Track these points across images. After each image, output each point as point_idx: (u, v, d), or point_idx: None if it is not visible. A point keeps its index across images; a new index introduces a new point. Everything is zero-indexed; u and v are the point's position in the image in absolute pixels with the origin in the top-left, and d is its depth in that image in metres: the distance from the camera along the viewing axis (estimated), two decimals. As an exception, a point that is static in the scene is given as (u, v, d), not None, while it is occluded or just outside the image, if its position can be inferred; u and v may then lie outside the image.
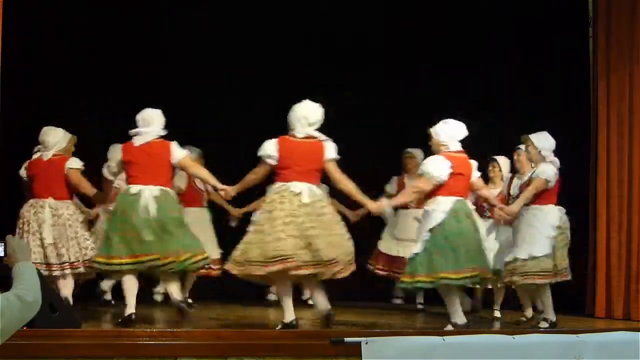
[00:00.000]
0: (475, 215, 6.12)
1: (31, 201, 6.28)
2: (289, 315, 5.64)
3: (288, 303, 5.69)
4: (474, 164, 6.14)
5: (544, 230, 6.30)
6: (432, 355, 4.91)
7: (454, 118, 6.18)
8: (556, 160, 6.49)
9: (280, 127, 5.84)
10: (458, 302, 5.98)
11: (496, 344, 5.11)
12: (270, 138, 5.81)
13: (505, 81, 8.83)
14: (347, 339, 4.92)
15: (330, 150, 5.77)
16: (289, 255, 5.46)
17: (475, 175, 6.15)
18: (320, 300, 5.75)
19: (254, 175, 5.85)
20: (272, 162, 5.72)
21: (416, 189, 6.14)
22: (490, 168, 7.41)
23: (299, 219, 5.53)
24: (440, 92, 8.74)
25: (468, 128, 6.26)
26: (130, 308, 5.73)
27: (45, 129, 6.32)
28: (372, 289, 8.40)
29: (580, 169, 7.80)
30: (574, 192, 7.72)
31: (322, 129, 5.82)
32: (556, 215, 6.39)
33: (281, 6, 8.64)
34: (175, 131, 6.03)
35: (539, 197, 6.36)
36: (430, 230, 5.86)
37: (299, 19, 8.75)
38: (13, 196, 6.81)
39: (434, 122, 6.11)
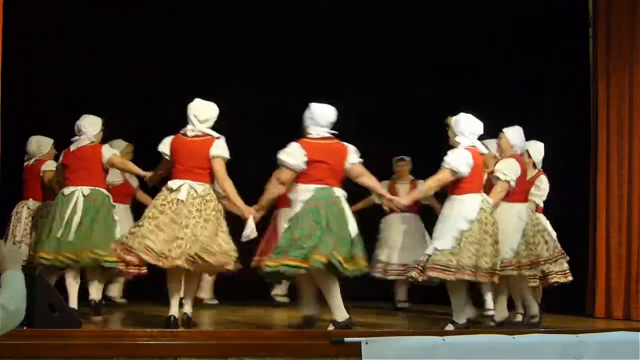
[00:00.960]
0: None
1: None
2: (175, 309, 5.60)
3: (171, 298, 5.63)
4: (350, 148, 5.79)
5: (456, 223, 5.85)
6: (432, 355, 4.92)
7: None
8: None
9: (281, 126, 5.83)
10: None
11: (496, 344, 5.11)
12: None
13: (505, 81, 8.82)
14: (347, 339, 4.93)
15: (217, 147, 5.69)
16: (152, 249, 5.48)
17: (353, 160, 5.78)
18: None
19: (159, 171, 5.95)
20: (167, 158, 5.73)
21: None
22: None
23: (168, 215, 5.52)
24: (440, 92, 8.74)
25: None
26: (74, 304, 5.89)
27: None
28: (372, 289, 8.40)
29: (580, 169, 7.81)
30: (573, 192, 7.73)
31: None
32: (474, 207, 5.88)
33: (281, 6, 8.64)
34: (176, 130, 6.01)
35: (457, 187, 5.92)
36: None
37: (299, 19, 8.76)
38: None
39: (433, 123, 6.11)
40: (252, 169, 6.77)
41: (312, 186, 5.56)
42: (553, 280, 6.63)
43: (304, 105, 5.88)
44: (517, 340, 5.17)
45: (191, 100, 5.82)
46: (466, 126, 6.02)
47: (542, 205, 6.82)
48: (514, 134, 6.41)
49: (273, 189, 5.85)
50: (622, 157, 7.45)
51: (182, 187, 5.55)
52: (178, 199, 5.51)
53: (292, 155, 5.60)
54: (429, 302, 8.23)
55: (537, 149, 6.86)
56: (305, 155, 5.57)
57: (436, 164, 6.01)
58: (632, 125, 7.43)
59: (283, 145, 5.71)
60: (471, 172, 5.89)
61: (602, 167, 7.58)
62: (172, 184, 5.60)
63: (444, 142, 6.15)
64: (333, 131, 5.75)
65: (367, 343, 4.86)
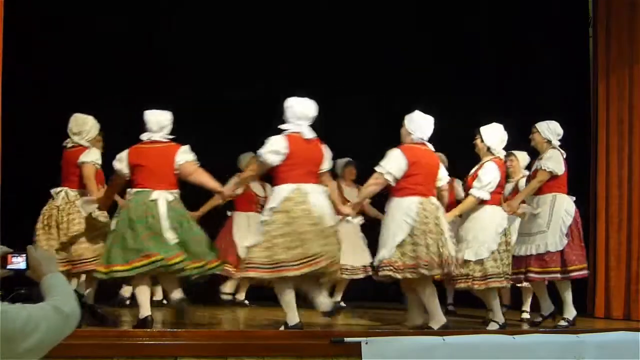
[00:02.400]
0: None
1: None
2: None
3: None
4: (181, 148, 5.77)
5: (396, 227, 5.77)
6: (432, 355, 4.92)
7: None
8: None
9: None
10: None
11: (496, 344, 5.12)
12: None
13: (505, 81, 8.83)
14: (347, 339, 4.93)
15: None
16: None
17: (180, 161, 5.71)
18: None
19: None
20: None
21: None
22: (508, 163, 7.17)
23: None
24: (440, 92, 8.74)
25: (468, 128, 6.27)
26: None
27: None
28: (372, 289, 8.39)
29: (579, 169, 7.81)
30: (573, 192, 7.72)
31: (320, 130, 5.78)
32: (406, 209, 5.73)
33: (283, 6, 8.64)
34: (178, 130, 6.02)
35: (396, 189, 5.78)
36: None
37: (299, 19, 8.76)
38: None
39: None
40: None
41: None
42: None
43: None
44: (517, 340, 5.17)
45: (192, 98, 5.82)
46: (411, 124, 5.90)
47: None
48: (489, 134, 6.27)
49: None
50: (622, 157, 7.45)
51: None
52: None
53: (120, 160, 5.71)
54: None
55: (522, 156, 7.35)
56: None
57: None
58: (632, 125, 7.44)
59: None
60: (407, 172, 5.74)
61: (602, 167, 7.58)
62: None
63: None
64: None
65: (367, 343, 4.86)
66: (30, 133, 7.56)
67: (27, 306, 2.15)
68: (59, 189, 6.29)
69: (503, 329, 5.83)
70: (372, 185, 5.82)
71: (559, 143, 6.49)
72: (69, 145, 6.30)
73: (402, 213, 5.65)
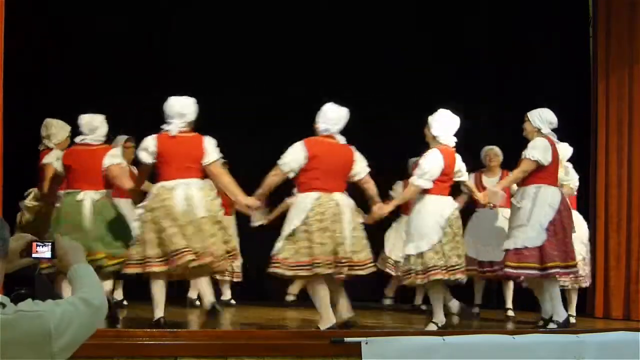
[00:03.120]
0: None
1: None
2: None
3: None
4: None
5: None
6: (432, 355, 4.92)
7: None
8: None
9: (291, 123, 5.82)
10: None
11: (496, 344, 5.12)
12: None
13: (505, 81, 8.83)
14: (347, 339, 4.93)
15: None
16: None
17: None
18: None
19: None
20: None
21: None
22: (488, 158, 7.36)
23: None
24: (440, 92, 8.73)
25: (468, 127, 6.26)
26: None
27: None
28: (373, 289, 8.39)
29: (579, 169, 7.80)
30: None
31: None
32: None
33: (282, 6, 8.64)
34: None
35: (298, 184, 5.71)
36: None
37: (300, 19, 8.76)
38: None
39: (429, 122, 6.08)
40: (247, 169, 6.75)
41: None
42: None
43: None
44: (517, 340, 5.17)
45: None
46: (320, 116, 5.75)
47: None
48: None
49: None
50: (622, 157, 7.45)
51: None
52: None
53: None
54: (428, 302, 8.23)
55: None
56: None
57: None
58: (632, 125, 7.44)
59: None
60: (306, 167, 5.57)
61: (602, 167, 7.58)
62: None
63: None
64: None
65: (367, 343, 4.86)
66: (30, 133, 7.54)
67: (59, 303, 2.12)
68: (30, 189, 6.56)
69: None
70: (271, 177, 5.61)
71: (549, 131, 6.31)
72: (41, 148, 6.66)
73: (298, 209, 5.45)
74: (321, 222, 5.37)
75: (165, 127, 5.63)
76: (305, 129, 8.67)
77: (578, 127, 7.97)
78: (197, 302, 7.47)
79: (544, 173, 6.18)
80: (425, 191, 5.88)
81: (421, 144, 8.35)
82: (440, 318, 5.83)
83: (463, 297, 7.38)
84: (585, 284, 7.05)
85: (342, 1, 8.83)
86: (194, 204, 5.40)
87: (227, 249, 5.57)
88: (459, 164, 6.10)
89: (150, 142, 5.58)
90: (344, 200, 5.51)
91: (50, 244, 2.37)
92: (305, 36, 8.77)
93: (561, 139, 6.66)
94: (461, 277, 5.95)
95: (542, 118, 6.33)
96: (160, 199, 5.42)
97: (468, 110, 8.92)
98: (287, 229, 5.43)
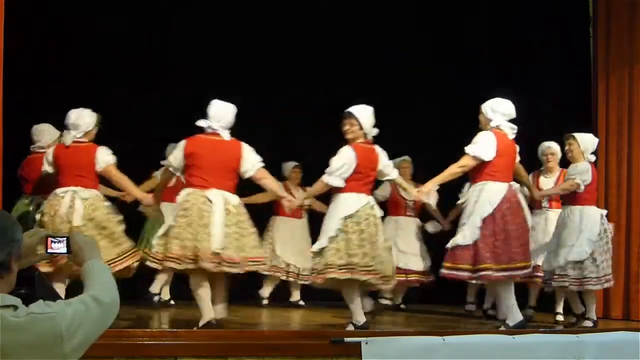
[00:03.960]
0: None
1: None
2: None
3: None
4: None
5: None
6: (432, 355, 4.92)
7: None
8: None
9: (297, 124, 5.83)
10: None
11: (496, 344, 5.12)
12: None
13: (505, 81, 8.82)
14: (347, 339, 4.93)
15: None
16: None
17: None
18: None
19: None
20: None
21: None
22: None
23: None
24: (440, 92, 8.74)
25: (468, 128, 6.26)
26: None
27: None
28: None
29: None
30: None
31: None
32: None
33: (281, 6, 8.64)
34: (178, 129, 6.02)
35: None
36: None
37: (300, 19, 8.76)
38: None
39: (430, 123, 6.09)
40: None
41: None
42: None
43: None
44: (517, 340, 5.17)
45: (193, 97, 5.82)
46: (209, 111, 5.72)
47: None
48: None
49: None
50: (622, 158, 7.45)
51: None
52: None
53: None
54: (429, 302, 8.24)
55: None
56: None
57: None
58: (632, 125, 7.44)
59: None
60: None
61: (601, 167, 7.57)
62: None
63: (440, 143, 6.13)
64: None
65: (367, 343, 4.86)
66: (30, 133, 7.54)
67: (70, 302, 2.11)
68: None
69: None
70: (161, 176, 6.05)
71: (505, 123, 6.02)
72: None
73: (177, 204, 5.48)
74: (185, 218, 5.33)
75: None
76: (307, 128, 8.71)
77: (578, 127, 7.96)
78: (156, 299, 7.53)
79: (490, 168, 5.88)
80: (338, 189, 5.68)
81: (421, 143, 8.38)
82: (357, 318, 5.65)
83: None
84: (594, 286, 6.41)
85: (342, 1, 8.83)
86: (73, 212, 5.56)
87: (118, 252, 5.60)
88: (384, 162, 5.86)
89: (49, 153, 5.89)
90: (218, 197, 5.38)
91: (65, 239, 2.37)
92: (305, 36, 8.77)
93: (561, 139, 6.65)
94: (373, 279, 5.61)
95: (495, 109, 6.03)
96: (50, 204, 5.65)
97: (468, 110, 8.95)
98: (164, 225, 5.53)
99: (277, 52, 8.73)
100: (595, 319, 6.49)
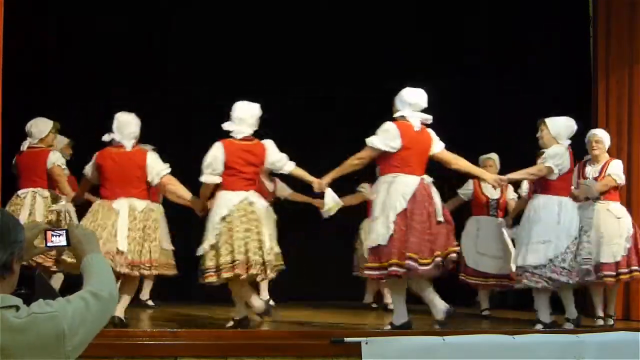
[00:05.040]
0: None
1: None
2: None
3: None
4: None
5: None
6: (432, 355, 4.92)
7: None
8: None
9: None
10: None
11: (496, 344, 5.12)
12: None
13: (505, 81, 8.83)
14: (347, 339, 4.93)
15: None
16: None
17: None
18: None
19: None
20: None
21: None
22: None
23: None
24: (440, 92, 8.72)
25: (468, 128, 6.26)
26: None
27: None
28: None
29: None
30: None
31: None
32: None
33: (281, 6, 8.64)
34: (174, 130, 6.02)
35: None
36: None
37: (300, 19, 8.76)
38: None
39: (430, 124, 6.07)
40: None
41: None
42: None
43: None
44: (517, 340, 5.17)
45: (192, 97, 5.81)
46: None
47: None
48: None
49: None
50: (622, 157, 7.43)
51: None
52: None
53: None
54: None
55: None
56: None
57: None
58: (632, 125, 7.43)
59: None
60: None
61: (602, 167, 7.58)
62: None
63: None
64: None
65: (367, 343, 4.86)
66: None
67: (70, 300, 2.11)
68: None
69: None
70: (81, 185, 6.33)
71: (414, 114, 5.77)
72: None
73: (88, 212, 5.83)
74: (91, 225, 5.50)
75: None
76: (307, 128, 8.69)
77: (578, 127, 7.96)
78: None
79: (397, 161, 5.64)
80: (218, 186, 5.67)
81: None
82: (239, 311, 5.63)
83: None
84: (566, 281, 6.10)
85: (342, 1, 8.83)
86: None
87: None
88: (273, 156, 5.79)
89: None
90: (124, 205, 5.62)
91: (64, 232, 2.36)
92: (305, 36, 8.76)
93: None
94: (240, 273, 5.49)
95: (403, 99, 5.82)
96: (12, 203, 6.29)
97: (468, 110, 8.96)
98: None
99: (277, 52, 8.72)
100: (574, 317, 6.20)
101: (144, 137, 6.25)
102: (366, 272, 5.74)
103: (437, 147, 5.86)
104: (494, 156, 7.51)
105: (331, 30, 8.81)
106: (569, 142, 6.27)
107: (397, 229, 5.47)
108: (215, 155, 5.61)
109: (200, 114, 8.37)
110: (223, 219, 5.49)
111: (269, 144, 5.78)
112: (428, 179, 5.72)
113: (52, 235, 2.37)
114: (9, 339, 1.97)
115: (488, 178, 6.23)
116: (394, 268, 5.45)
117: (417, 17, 9.10)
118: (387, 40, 8.99)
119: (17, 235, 2.13)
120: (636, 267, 6.53)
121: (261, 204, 5.69)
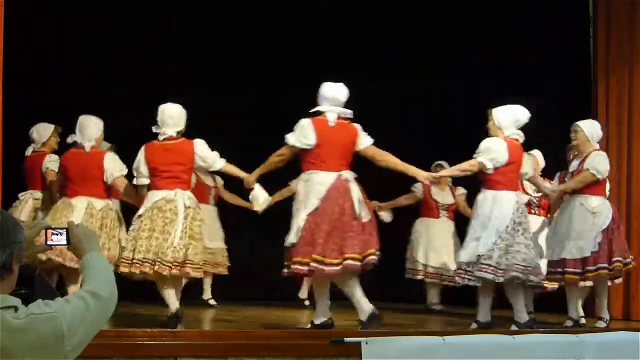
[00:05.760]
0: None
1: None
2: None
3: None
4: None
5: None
6: (432, 355, 4.93)
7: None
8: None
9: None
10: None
11: (496, 344, 5.12)
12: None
13: (505, 81, 8.82)
14: (347, 339, 4.93)
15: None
16: None
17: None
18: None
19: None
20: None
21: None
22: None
23: None
24: (440, 92, 8.74)
25: (468, 128, 6.26)
26: None
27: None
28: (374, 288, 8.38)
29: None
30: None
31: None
32: None
33: (281, 6, 8.64)
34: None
35: None
36: None
37: (300, 19, 8.76)
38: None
39: (430, 124, 6.09)
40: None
41: None
42: None
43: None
44: (517, 340, 5.17)
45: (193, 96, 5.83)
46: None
47: None
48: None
49: None
50: (622, 157, 7.44)
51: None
52: None
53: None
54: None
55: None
56: None
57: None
58: (632, 125, 7.44)
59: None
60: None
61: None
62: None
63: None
64: None
65: (367, 343, 4.86)
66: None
67: (69, 300, 2.10)
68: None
69: (445, 330, 5.52)
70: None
71: (333, 108, 5.70)
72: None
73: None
74: (50, 220, 5.66)
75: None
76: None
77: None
78: None
79: (312, 157, 5.55)
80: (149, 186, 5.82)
81: (420, 142, 8.38)
82: (171, 306, 5.54)
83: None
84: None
85: (342, 2, 8.83)
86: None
87: None
88: (201, 154, 5.79)
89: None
90: (82, 203, 5.89)
91: (64, 231, 2.37)
92: (306, 36, 8.77)
93: (561, 139, 6.62)
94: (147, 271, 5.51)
95: (321, 94, 5.77)
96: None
97: (468, 110, 8.94)
98: None
99: (276, 51, 8.73)
100: (522, 321, 5.84)
101: (145, 137, 6.26)
102: (285, 270, 5.54)
103: (363, 142, 5.71)
104: (536, 152, 7.23)
105: (331, 30, 8.82)
106: (517, 132, 6.08)
107: (307, 228, 5.37)
108: (139, 159, 5.79)
109: (201, 114, 8.37)
110: (138, 217, 5.63)
111: (197, 143, 5.82)
112: (348, 175, 5.57)
113: (53, 234, 2.37)
114: (7, 339, 1.97)
115: (418, 175, 6.00)
116: (296, 266, 5.38)
117: (417, 17, 9.11)
118: (387, 40, 8.99)
119: (17, 235, 2.13)
120: (604, 265, 6.15)
121: (187, 203, 5.64)
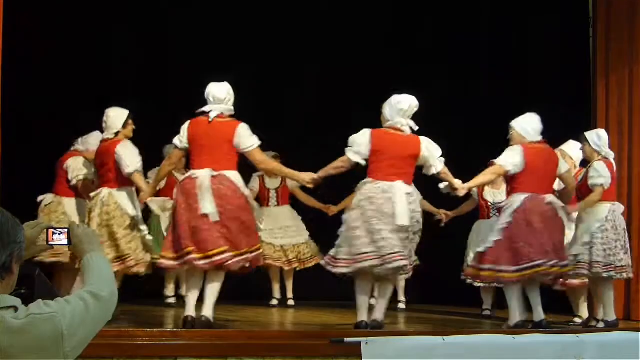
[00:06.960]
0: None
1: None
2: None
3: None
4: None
5: None
6: (432, 355, 4.93)
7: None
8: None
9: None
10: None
11: (496, 344, 5.12)
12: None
13: (505, 81, 8.83)
14: (347, 339, 4.93)
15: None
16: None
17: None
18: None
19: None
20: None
21: None
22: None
23: None
24: (440, 92, 8.73)
25: (468, 128, 6.25)
26: None
27: None
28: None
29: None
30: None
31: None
32: None
33: (281, 6, 8.65)
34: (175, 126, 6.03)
35: None
36: None
37: (300, 19, 8.77)
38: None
39: (430, 122, 6.07)
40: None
41: None
42: None
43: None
44: (517, 340, 5.18)
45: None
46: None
47: None
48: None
49: None
50: (622, 157, 7.44)
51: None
52: None
53: None
54: (428, 302, 8.24)
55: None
56: None
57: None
58: (632, 125, 7.43)
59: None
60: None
61: (602, 167, 7.57)
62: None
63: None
64: None
65: (367, 343, 4.86)
66: (30, 133, 7.55)
67: (69, 300, 2.10)
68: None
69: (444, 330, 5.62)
70: None
71: (211, 108, 5.76)
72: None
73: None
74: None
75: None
76: (306, 127, 8.71)
77: (578, 127, 7.96)
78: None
79: (191, 153, 5.65)
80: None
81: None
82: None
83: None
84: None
85: (341, 2, 8.83)
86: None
87: None
88: (119, 154, 5.91)
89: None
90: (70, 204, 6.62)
91: (65, 230, 2.37)
92: (305, 36, 8.78)
93: (561, 139, 6.62)
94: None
95: (207, 93, 5.92)
96: None
97: (468, 110, 8.96)
98: None
99: (276, 51, 8.73)
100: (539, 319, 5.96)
101: (144, 137, 6.26)
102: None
103: (244, 144, 5.59)
104: (566, 148, 7.11)
105: (331, 30, 8.82)
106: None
107: (177, 221, 5.39)
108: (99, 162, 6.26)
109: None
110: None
111: (121, 144, 5.99)
112: (203, 173, 5.42)
113: (54, 234, 2.38)
114: (7, 340, 1.97)
115: (299, 177, 5.95)
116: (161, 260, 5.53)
117: (417, 17, 9.11)
118: (387, 40, 9.00)
119: (17, 235, 2.13)
120: (554, 261, 6.02)
121: (118, 200, 5.93)
